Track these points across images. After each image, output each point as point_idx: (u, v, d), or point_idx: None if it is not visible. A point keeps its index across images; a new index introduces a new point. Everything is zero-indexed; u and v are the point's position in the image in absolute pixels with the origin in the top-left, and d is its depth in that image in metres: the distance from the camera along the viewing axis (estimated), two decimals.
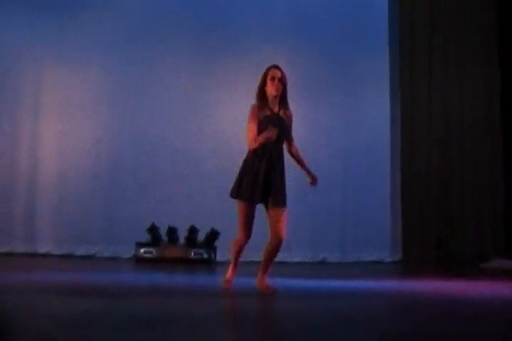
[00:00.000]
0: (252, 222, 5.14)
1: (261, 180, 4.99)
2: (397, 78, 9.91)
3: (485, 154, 9.78)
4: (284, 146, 5.26)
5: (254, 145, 5.01)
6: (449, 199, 9.67)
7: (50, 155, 9.41)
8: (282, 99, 5.22)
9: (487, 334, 3.33)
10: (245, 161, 5.15)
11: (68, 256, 9.04)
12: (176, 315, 3.83)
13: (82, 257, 9.04)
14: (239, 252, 5.35)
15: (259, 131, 5.06)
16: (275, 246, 5.10)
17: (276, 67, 5.22)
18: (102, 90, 9.50)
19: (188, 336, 3.09)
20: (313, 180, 5.31)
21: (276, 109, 5.19)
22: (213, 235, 8.79)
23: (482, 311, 4.30)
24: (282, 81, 5.16)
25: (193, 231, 8.80)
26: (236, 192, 5.09)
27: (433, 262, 9.27)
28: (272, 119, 5.10)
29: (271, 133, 4.98)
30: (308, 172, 5.32)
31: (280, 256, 8.73)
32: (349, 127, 9.67)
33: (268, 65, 5.24)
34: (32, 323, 3.35)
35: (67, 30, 9.50)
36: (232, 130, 8.92)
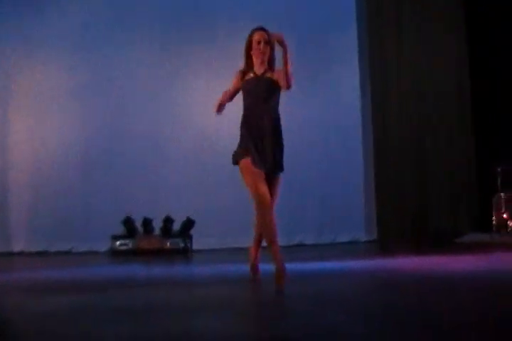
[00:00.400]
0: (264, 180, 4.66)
1: (253, 147, 4.65)
2: (367, 52, 9.90)
3: (457, 129, 9.83)
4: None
5: (214, 111, 4.83)
6: (423, 177, 9.73)
7: (21, 152, 9.32)
8: (270, 61, 4.87)
9: (455, 309, 3.40)
10: (240, 129, 4.83)
11: (44, 253, 8.99)
12: (156, 305, 3.85)
13: (58, 253, 8.99)
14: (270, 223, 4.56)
15: (243, 98, 4.85)
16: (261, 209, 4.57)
17: (261, 28, 4.89)
18: (72, 84, 9.38)
19: (169, 325, 3.11)
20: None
21: (260, 72, 4.85)
22: (189, 224, 8.78)
23: (452, 285, 4.38)
24: (269, 43, 4.82)
25: (168, 221, 8.79)
26: (236, 158, 4.74)
27: (408, 239, 9.34)
28: (250, 82, 4.84)
29: (222, 96, 4.81)
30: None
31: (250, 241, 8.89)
32: (320, 106, 9.65)
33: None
34: (15, 321, 3.35)
35: (34, 23, 9.37)
36: (204, 119, 8.92)
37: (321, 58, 9.74)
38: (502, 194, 8.74)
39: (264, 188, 4.56)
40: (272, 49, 4.84)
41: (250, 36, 4.87)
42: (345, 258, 6.93)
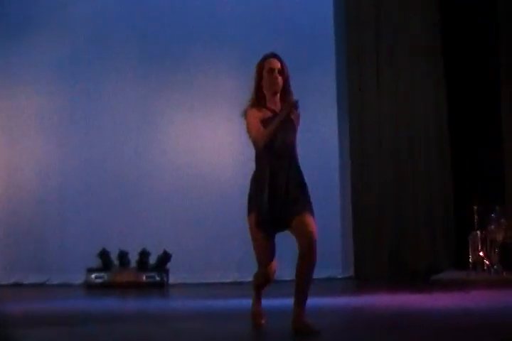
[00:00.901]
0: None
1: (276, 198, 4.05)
2: (345, 88, 9.92)
3: (435, 166, 9.86)
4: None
5: (265, 139, 4.05)
6: (400, 213, 9.71)
7: None
8: (284, 94, 4.24)
9: None
10: (254, 177, 4.18)
11: (18, 285, 8.86)
12: (131, 340, 3.82)
13: (33, 285, 8.87)
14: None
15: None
16: (307, 257, 4.17)
17: (274, 55, 4.28)
18: (51, 116, 9.33)
19: None
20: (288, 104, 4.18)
21: (278, 108, 4.19)
22: (165, 257, 8.73)
23: (428, 323, 4.38)
24: (283, 73, 4.25)
25: (144, 254, 8.73)
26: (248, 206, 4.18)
27: (386, 276, 9.31)
28: (270, 122, 4.12)
29: (284, 111, 4.10)
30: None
31: (233, 276, 8.86)
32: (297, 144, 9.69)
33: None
34: None
35: (15, 51, 9.31)
36: (182, 154, 8.95)
37: (299, 92, 9.79)
38: (478, 232, 8.79)
39: (263, 256, 4.18)
40: (287, 80, 4.28)
41: (261, 64, 4.26)
42: (321, 295, 6.89)
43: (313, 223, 4.08)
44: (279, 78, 4.20)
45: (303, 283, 4.16)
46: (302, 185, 4.16)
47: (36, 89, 9.37)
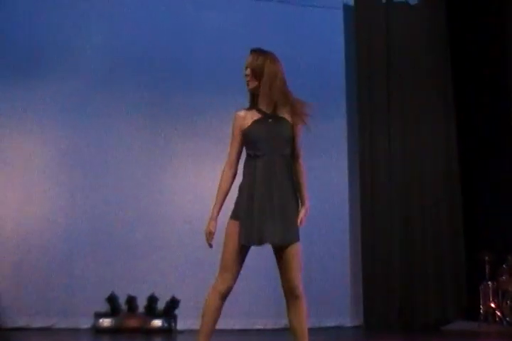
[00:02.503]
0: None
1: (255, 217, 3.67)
2: (356, 137, 10.06)
3: (445, 213, 9.84)
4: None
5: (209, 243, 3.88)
6: (410, 263, 9.68)
7: (5, 225, 9.24)
8: (281, 94, 3.78)
9: None
10: (240, 184, 3.86)
11: (24, 329, 8.80)
12: None
13: (39, 329, 8.80)
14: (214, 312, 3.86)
15: (249, 144, 3.79)
16: (296, 306, 3.88)
17: (252, 51, 3.84)
18: (61, 155, 9.34)
19: None
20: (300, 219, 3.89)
21: (270, 110, 3.78)
22: (173, 304, 8.69)
23: None
24: (252, 71, 3.75)
25: (152, 300, 8.69)
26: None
27: (396, 326, 9.23)
28: (261, 124, 3.75)
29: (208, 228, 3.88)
30: (302, 204, 3.90)
31: (239, 323, 8.78)
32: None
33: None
34: None
35: (21, 90, 9.30)
36: (190, 196, 8.97)
37: (310, 144, 9.88)
38: (489, 283, 8.71)
39: (226, 276, 3.85)
40: (270, 77, 3.75)
41: None
42: None
43: (299, 258, 3.81)
44: (247, 76, 3.80)
45: (300, 330, 3.92)
46: (289, 198, 3.77)
47: (43, 134, 9.39)
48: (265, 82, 3.75)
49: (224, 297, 3.88)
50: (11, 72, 9.33)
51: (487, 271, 8.85)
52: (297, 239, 3.79)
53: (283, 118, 3.80)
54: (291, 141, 3.83)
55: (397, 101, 10.13)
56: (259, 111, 3.79)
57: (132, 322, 8.54)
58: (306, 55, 10.08)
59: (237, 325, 8.76)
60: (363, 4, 10.32)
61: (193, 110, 9.63)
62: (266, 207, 3.66)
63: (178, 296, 8.67)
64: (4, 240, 9.15)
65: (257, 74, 3.76)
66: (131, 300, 8.68)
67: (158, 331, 8.43)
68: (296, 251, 3.79)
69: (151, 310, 8.66)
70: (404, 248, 9.69)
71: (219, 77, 9.62)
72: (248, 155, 3.81)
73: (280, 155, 3.77)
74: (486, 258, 8.85)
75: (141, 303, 8.74)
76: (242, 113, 3.84)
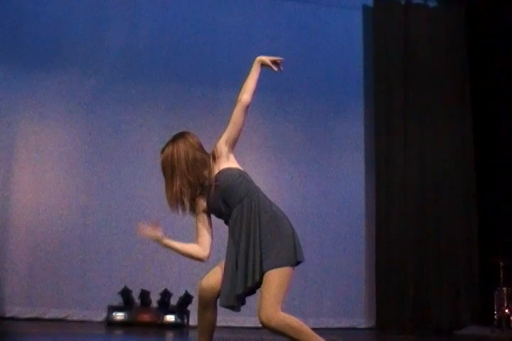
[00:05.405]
0: None
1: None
2: (372, 141, 10.06)
3: (460, 218, 9.84)
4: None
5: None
6: (425, 267, 9.66)
7: (20, 216, 9.26)
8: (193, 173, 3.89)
9: None
10: None
11: (37, 320, 8.84)
12: None
13: (52, 320, 8.85)
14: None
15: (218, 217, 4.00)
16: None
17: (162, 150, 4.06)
18: (78, 147, 9.42)
19: None
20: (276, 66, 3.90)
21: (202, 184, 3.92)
22: (187, 299, 8.69)
23: None
24: (166, 169, 3.99)
25: (165, 294, 8.71)
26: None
27: (407, 329, 9.20)
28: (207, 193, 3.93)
29: None
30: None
31: (254, 322, 8.76)
32: (323, 192, 9.75)
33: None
34: None
35: (41, 85, 9.41)
36: None
37: (327, 145, 9.92)
38: (504, 289, 8.66)
39: (206, 281, 3.87)
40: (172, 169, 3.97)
41: None
42: None
43: (275, 286, 3.55)
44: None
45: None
46: (264, 229, 3.65)
47: (62, 125, 9.48)
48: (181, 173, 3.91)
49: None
50: (33, 63, 9.47)
51: (502, 276, 8.80)
52: (274, 266, 3.54)
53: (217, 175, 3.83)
54: (234, 185, 3.81)
55: (415, 102, 10.14)
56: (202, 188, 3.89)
57: (145, 317, 8.56)
58: (324, 55, 10.12)
59: (253, 323, 8.75)
60: (382, 5, 10.30)
61: (215, 108, 9.61)
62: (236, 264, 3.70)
63: (192, 292, 8.68)
64: (19, 232, 9.19)
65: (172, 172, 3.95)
66: (144, 295, 8.70)
67: (170, 326, 8.45)
68: (273, 277, 3.53)
69: (164, 305, 8.67)
70: (419, 251, 9.66)
71: (241, 78, 9.59)
72: (226, 223, 3.93)
73: (238, 205, 3.81)
74: (501, 263, 8.80)
75: (155, 298, 8.76)
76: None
